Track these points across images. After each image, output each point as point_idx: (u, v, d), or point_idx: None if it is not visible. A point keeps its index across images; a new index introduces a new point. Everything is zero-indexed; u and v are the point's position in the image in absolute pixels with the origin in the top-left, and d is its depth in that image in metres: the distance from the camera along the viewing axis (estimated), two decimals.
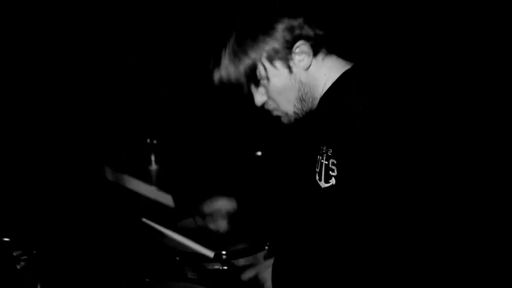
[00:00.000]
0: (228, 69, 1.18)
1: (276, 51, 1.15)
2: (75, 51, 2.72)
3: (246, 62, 1.15)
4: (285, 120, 1.21)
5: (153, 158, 2.74)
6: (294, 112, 1.19)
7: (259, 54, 1.15)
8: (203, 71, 1.25)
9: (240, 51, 1.16)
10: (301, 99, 1.17)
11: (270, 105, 1.21)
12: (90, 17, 2.72)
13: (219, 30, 1.23)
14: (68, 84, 2.73)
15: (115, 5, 2.71)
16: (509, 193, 2.36)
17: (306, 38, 1.16)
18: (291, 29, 1.14)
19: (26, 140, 2.67)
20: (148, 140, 2.73)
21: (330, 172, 1.12)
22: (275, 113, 1.21)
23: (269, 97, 1.19)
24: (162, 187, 2.50)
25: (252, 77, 1.16)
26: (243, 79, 1.17)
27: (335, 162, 1.10)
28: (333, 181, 1.12)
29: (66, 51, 2.71)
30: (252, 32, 1.15)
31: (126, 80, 2.82)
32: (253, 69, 1.16)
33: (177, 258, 1.95)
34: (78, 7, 2.66)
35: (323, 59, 1.18)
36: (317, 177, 1.17)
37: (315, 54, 1.17)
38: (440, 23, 2.51)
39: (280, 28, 1.14)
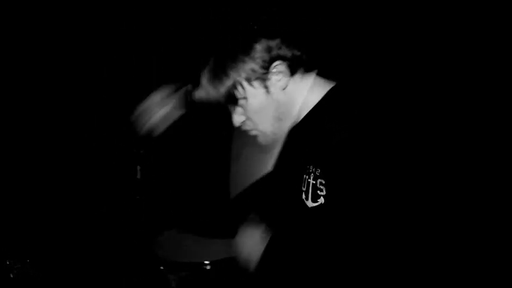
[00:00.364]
0: (207, 90, 1.18)
1: (254, 71, 1.15)
2: (62, 60, 2.72)
3: (226, 83, 1.16)
4: (262, 140, 1.21)
5: (138, 168, 2.70)
6: (271, 132, 1.19)
7: (239, 74, 1.15)
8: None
9: (220, 72, 1.16)
10: (279, 119, 1.17)
11: (248, 125, 1.21)
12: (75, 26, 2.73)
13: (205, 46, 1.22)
14: (58, 87, 2.73)
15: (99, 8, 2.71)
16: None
17: (283, 58, 1.16)
18: (268, 49, 1.14)
19: (24, 141, 2.67)
20: (134, 150, 2.71)
21: (318, 192, 1.12)
22: (253, 132, 1.21)
23: (247, 117, 1.19)
24: (148, 197, 2.52)
25: (231, 97, 1.17)
26: (222, 99, 1.17)
27: (323, 182, 1.11)
28: (321, 200, 1.12)
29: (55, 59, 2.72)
30: (231, 52, 1.16)
31: (119, 87, 2.82)
32: (232, 89, 1.16)
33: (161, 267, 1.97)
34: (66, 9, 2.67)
35: (301, 79, 1.19)
36: (303, 196, 1.16)
37: (293, 74, 1.18)
38: (419, 42, 2.53)
39: (258, 48, 1.14)
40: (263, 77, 1.16)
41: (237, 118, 1.20)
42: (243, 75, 1.16)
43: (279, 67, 1.16)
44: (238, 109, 1.18)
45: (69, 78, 2.74)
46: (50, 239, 2.50)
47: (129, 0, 2.75)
